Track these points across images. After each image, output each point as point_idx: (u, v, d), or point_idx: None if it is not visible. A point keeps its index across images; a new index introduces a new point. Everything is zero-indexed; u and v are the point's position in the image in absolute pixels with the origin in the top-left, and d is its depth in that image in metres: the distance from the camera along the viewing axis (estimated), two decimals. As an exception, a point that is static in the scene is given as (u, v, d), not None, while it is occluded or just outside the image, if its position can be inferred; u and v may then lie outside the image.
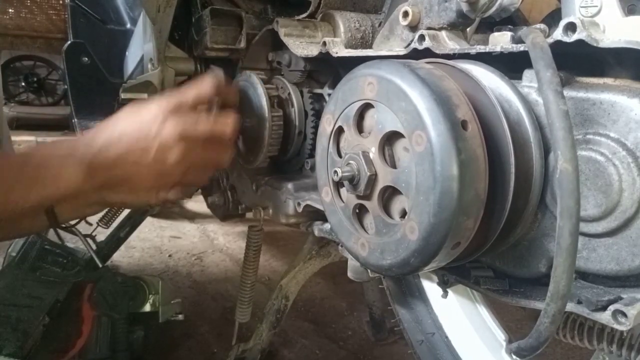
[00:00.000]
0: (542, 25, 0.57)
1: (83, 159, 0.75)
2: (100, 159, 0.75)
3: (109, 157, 0.75)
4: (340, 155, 0.66)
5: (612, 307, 0.50)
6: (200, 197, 1.34)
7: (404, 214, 0.57)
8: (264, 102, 0.92)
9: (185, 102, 0.80)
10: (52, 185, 0.74)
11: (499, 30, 0.59)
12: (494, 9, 0.61)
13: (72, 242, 1.43)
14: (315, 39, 0.94)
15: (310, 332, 1.53)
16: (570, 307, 0.53)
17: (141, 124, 0.76)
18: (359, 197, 0.62)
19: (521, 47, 0.54)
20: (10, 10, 6.41)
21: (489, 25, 0.79)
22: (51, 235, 1.29)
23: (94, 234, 1.30)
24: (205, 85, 0.83)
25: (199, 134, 0.78)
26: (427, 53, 0.66)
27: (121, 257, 1.97)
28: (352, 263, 0.80)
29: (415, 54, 0.67)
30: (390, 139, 0.58)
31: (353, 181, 0.61)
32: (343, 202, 0.66)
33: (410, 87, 0.53)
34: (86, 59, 1.49)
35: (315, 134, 0.95)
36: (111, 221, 1.35)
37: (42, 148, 0.79)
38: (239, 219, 1.26)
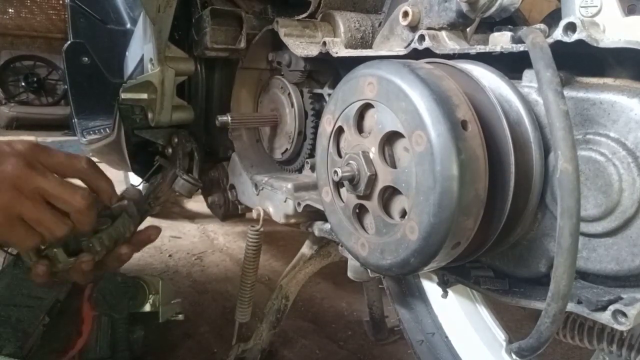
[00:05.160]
0: (542, 25, 0.57)
1: None
2: None
3: None
4: (340, 155, 0.66)
5: (612, 307, 0.50)
6: (200, 197, 1.34)
7: (404, 214, 0.57)
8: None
9: (45, 157, 0.71)
10: None
11: (499, 30, 0.60)
12: (494, 9, 0.62)
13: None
14: (315, 39, 0.94)
15: (310, 331, 1.53)
16: (571, 307, 0.53)
17: None
18: (359, 197, 0.62)
19: (521, 47, 0.54)
20: (10, 10, 6.43)
21: (489, 25, 0.79)
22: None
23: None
24: (81, 163, 0.75)
25: (38, 189, 0.69)
26: (427, 53, 0.66)
27: (121, 257, 1.97)
28: (352, 263, 0.80)
29: (415, 54, 0.67)
30: (390, 139, 0.58)
31: (353, 181, 0.61)
32: (343, 202, 0.66)
33: (410, 87, 0.53)
34: (86, 59, 1.49)
35: (315, 134, 0.95)
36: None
37: None
38: (239, 219, 1.26)
